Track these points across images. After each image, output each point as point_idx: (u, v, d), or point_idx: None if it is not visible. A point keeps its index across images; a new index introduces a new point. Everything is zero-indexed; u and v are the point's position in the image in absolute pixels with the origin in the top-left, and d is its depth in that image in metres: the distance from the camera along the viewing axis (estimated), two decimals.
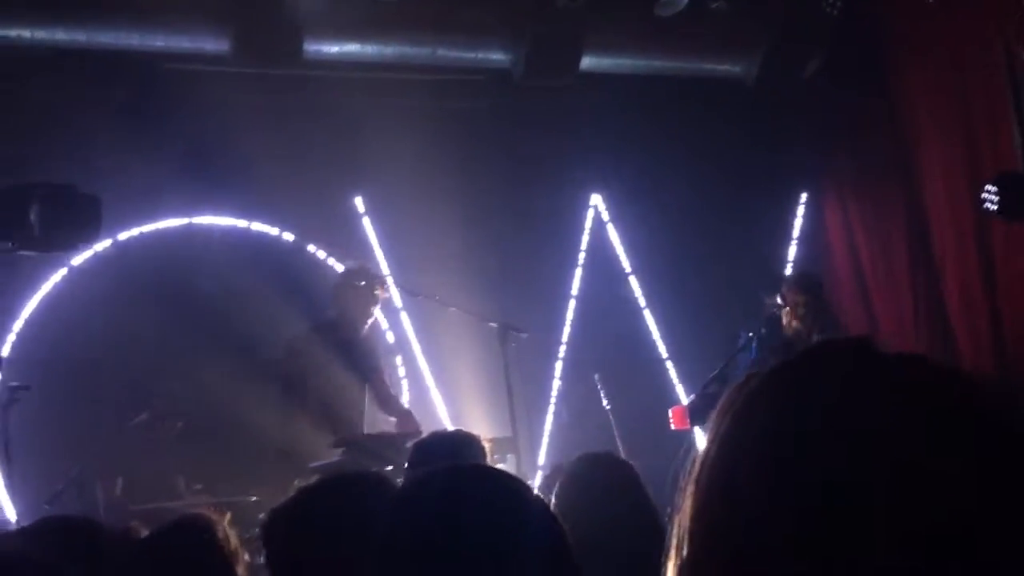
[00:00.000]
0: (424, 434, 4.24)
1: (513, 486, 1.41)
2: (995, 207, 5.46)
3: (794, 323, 5.90)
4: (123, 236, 6.24)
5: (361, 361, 5.64)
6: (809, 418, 0.78)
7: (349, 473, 2.52)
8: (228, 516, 2.38)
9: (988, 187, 5.53)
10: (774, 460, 0.78)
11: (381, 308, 6.16)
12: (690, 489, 0.84)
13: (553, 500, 2.97)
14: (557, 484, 3.09)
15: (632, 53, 7.24)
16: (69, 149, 5.79)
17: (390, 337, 6.88)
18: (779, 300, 5.92)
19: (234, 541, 2.35)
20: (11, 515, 5.20)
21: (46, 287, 6.05)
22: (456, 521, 1.30)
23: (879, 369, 0.82)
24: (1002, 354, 6.62)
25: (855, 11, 7.09)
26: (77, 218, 4.64)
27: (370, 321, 5.83)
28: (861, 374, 0.81)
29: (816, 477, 0.76)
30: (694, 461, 0.85)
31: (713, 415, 0.86)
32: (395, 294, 6.80)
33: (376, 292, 5.76)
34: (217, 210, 6.55)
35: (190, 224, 6.48)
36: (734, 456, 0.81)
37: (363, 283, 5.74)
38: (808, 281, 6.10)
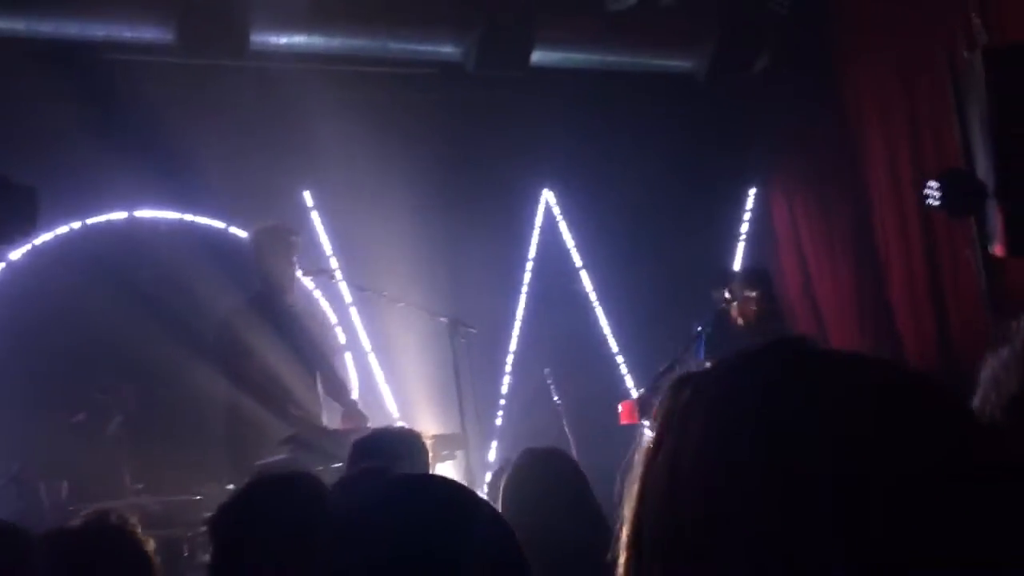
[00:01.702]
0: (370, 429, 4.21)
1: (456, 498, 1.35)
2: (937, 202, 5.54)
3: (740, 319, 5.93)
4: (62, 230, 6.09)
5: (306, 341, 5.48)
6: (745, 423, 0.77)
7: (282, 474, 2.48)
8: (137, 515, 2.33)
9: (930, 183, 5.61)
10: (715, 464, 0.78)
11: (327, 298, 6.02)
12: (635, 490, 0.83)
13: (500, 495, 3.00)
14: (502, 479, 3.11)
15: (583, 47, 7.23)
16: (3, 139, 5.64)
17: (340, 333, 6.81)
18: (727, 295, 5.95)
19: (150, 544, 2.31)
20: None
21: None
22: (402, 551, 1.25)
23: (820, 371, 0.80)
24: (947, 349, 6.72)
25: (803, 7, 7.14)
26: (11, 211, 4.52)
27: (294, 279, 5.57)
28: (799, 377, 0.79)
29: (761, 479, 0.75)
30: (635, 461, 0.85)
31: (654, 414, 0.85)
32: (344, 290, 6.73)
33: (290, 240, 5.52)
34: (160, 203, 6.42)
35: (131, 217, 6.35)
36: (676, 460, 0.80)
37: (275, 236, 5.52)
38: (757, 276, 6.13)
